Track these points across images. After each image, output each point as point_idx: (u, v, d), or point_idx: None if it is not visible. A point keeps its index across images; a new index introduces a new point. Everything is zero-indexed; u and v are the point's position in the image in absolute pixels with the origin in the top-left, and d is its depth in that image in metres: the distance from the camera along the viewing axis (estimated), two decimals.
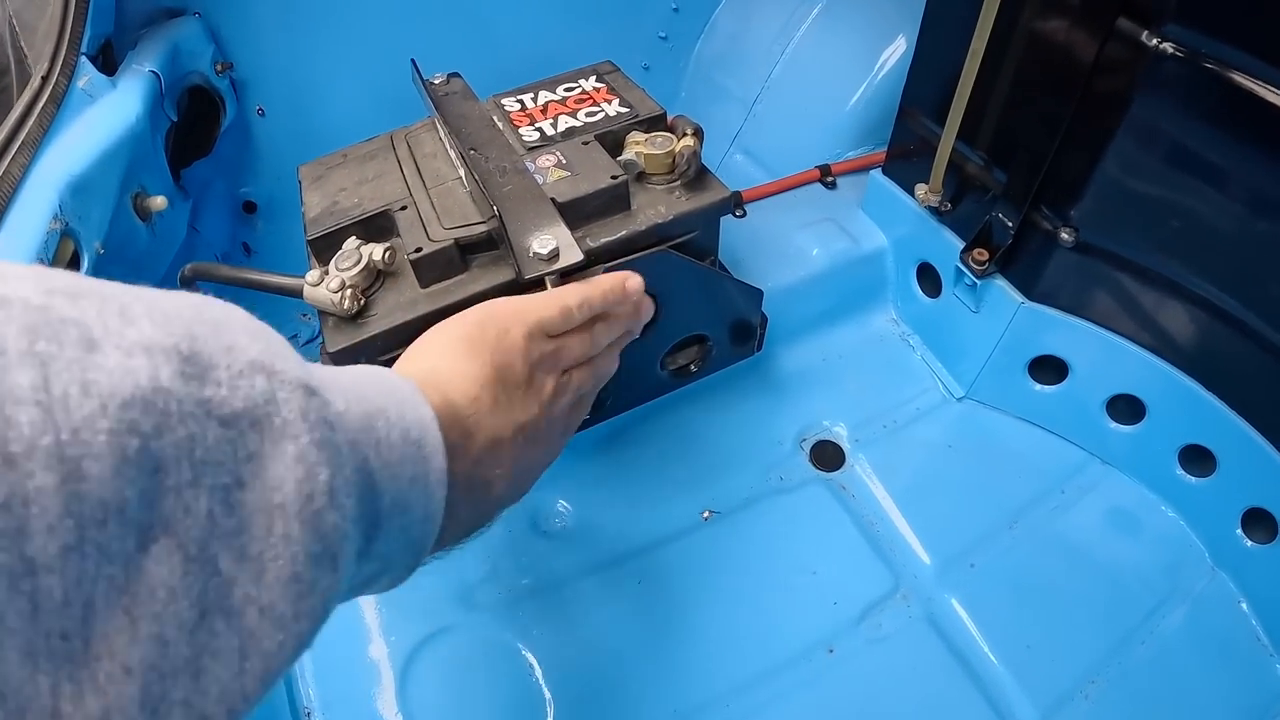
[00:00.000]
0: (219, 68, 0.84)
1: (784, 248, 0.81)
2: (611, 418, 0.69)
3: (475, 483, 0.36)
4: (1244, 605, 0.68)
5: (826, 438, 0.76)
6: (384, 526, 0.27)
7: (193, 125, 0.82)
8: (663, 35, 1.02)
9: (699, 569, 0.65)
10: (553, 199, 0.48)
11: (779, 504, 0.70)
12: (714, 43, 1.04)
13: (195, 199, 0.85)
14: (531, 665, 0.59)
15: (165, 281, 0.71)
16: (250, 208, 0.96)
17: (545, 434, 0.42)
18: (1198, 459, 0.71)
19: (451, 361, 0.38)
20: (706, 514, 0.68)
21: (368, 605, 0.63)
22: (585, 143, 0.54)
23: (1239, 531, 0.68)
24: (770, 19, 0.99)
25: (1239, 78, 0.53)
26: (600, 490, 0.69)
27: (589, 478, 0.69)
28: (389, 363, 0.50)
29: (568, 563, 0.65)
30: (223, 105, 0.86)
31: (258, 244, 0.96)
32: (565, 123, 0.57)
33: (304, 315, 0.94)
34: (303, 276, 0.49)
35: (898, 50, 0.90)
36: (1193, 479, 0.71)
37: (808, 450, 0.75)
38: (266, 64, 0.90)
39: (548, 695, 0.58)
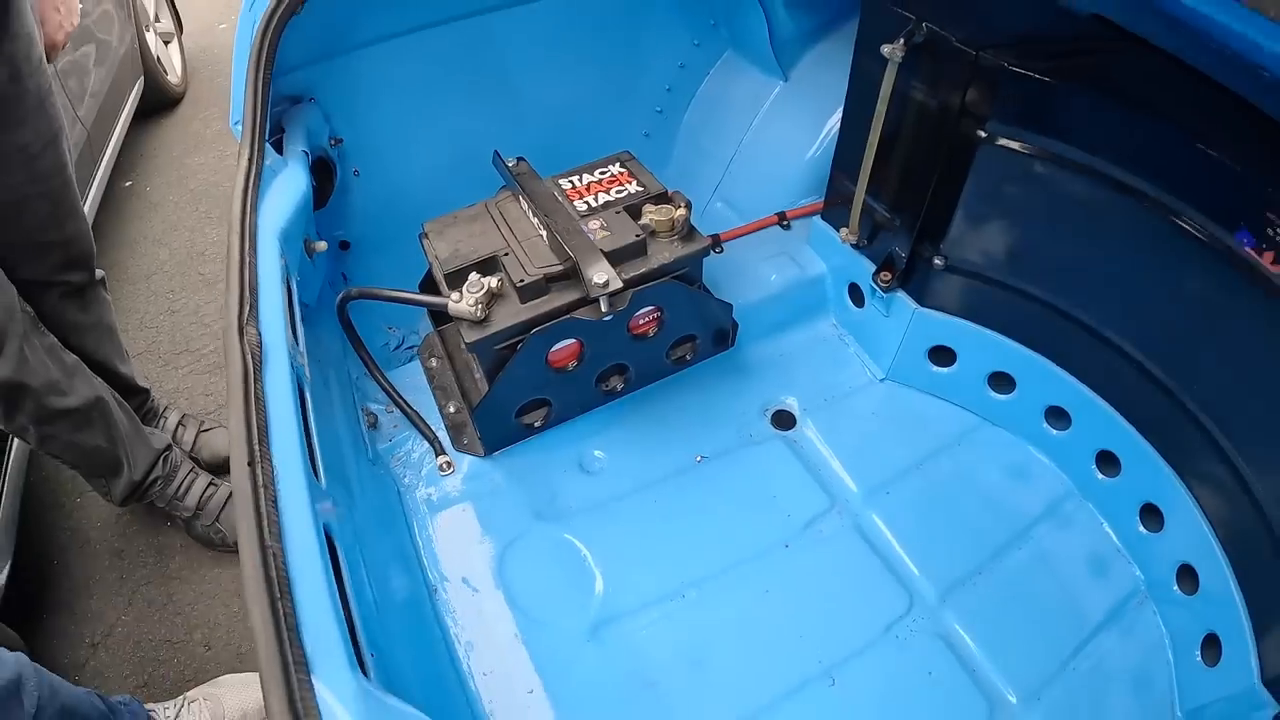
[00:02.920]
0: (333, 142, 1.19)
1: (752, 274, 1.17)
2: (633, 392, 1.03)
3: None
4: (1105, 525, 1.02)
5: (783, 408, 1.11)
6: None
7: (316, 186, 1.17)
8: (659, 110, 1.38)
9: (695, 494, 1.00)
10: (601, 249, 0.83)
11: (749, 453, 1.05)
12: (698, 114, 1.40)
13: None
14: (585, 554, 0.93)
15: (320, 301, 1.05)
16: (345, 246, 1.30)
17: None
18: (1058, 417, 1.05)
19: None
20: (699, 458, 1.03)
21: (469, 520, 0.96)
22: (617, 212, 0.90)
23: (1094, 468, 1.02)
24: (741, 96, 1.35)
25: (1038, 155, 0.89)
26: (625, 442, 1.03)
27: (618, 433, 1.04)
28: (505, 349, 0.84)
29: (604, 491, 0.99)
30: (335, 171, 1.20)
31: (350, 273, 1.30)
32: (602, 198, 0.92)
33: (390, 328, 1.28)
34: (447, 297, 0.84)
35: (837, 122, 1.26)
36: (1056, 432, 1.06)
37: (769, 417, 1.09)
38: (361, 136, 1.24)
39: (596, 571, 0.92)
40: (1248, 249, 0.75)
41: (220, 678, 1.27)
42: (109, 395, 1.33)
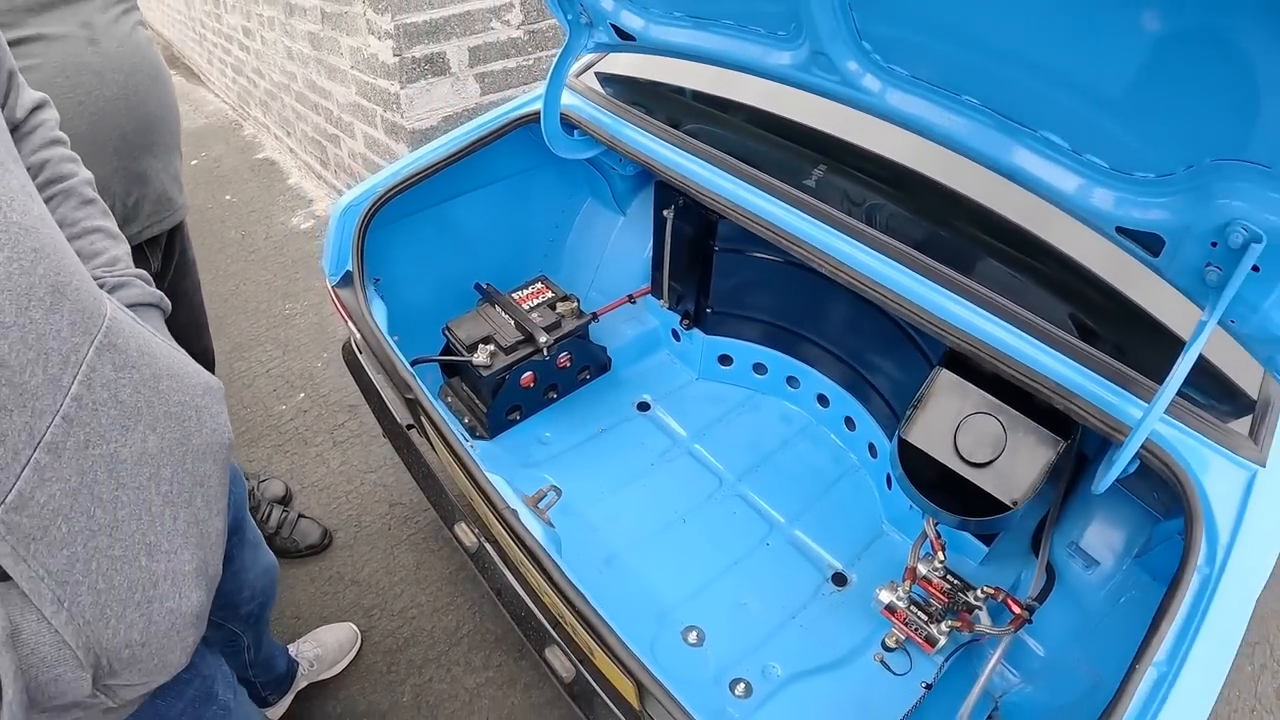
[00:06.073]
0: (375, 280, 2.15)
1: (618, 331, 2.20)
2: (562, 398, 2.05)
3: None
4: (832, 435, 2.08)
5: (643, 400, 2.13)
6: None
7: None
8: (551, 239, 2.41)
9: (600, 448, 1.99)
10: (541, 326, 1.85)
11: (627, 424, 2.06)
12: (576, 239, 2.44)
13: None
14: (550, 480, 1.91)
15: None
16: None
17: None
18: (793, 383, 2.11)
19: None
20: (600, 430, 2.04)
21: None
22: (544, 308, 1.92)
23: (818, 405, 2.09)
24: (600, 227, 2.40)
25: (739, 253, 1.98)
26: (561, 425, 2.02)
27: (557, 421, 2.03)
28: (500, 379, 1.86)
29: (554, 451, 1.97)
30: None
31: None
32: (535, 300, 1.95)
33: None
34: (470, 356, 1.83)
35: None
36: (793, 390, 2.12)
37: (635, 405, 2.12)
38: (384, 271, 2.20)
39: (556, 487, 1.90)
40: None
41: (315, 629, 2.13)
42: None
